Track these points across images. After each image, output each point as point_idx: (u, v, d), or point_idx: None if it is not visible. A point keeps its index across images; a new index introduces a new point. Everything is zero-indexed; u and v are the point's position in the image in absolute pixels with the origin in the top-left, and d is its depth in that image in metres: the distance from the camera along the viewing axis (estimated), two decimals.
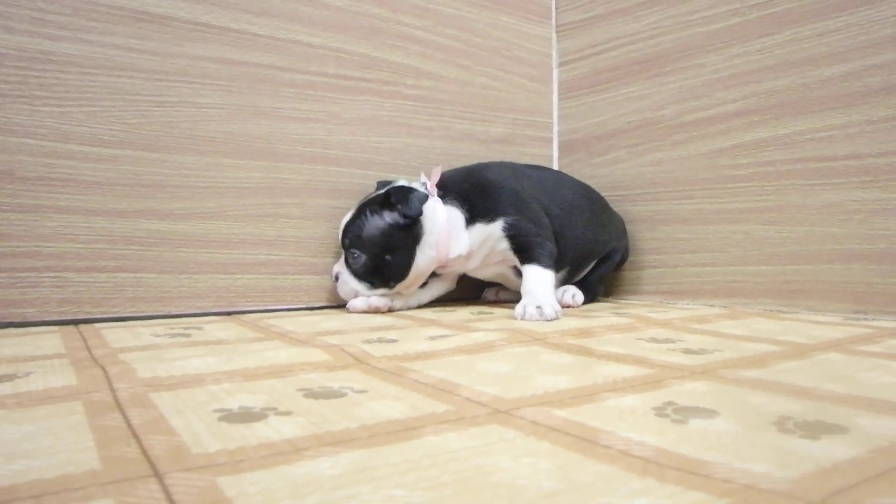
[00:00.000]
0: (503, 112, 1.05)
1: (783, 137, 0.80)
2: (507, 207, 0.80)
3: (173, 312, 0.77)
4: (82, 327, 0.68)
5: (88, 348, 0.54)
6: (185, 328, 0.68)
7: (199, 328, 0.68)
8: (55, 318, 0.70)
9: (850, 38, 0.75)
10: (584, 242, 0.89)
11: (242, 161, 0.81)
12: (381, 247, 0.78)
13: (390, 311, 0.82)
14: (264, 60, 0.83)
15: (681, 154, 0.92)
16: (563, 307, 0.87)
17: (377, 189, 0.84)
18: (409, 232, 0.79)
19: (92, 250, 0.72)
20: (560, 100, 1.11)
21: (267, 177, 0.83)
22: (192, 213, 0.78)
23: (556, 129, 1.12)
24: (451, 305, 0.92)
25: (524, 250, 0.80)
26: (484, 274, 0.88)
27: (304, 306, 0.86)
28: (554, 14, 1.12)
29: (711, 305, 0.87)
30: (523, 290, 0.77)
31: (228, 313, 0.80)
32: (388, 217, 0.78)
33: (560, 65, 1.11)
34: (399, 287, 0.81)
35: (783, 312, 0.78)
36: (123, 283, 0.74)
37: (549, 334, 0.60)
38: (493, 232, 0.81)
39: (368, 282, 0.79)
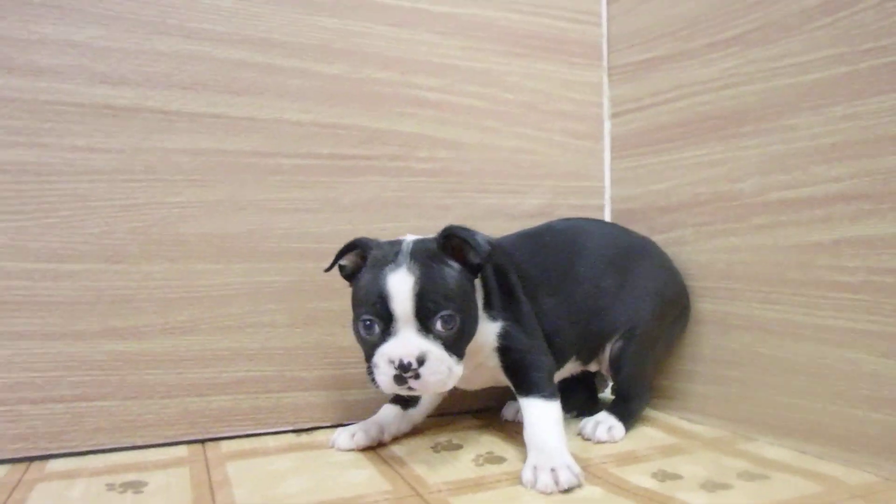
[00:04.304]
0: (540, 179, 0.88)
1: None
2: (505, 305, 0.66)
3: (138, 444, 0.68)
4: (32, 468, 0.61)
5: None
6: (129, 481, 0.59)
7: (145, 483, 0.59)
8: (8, 455, 0.64)
9: None
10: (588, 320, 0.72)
11: (219, 265, 0.71)
12: (469, 305, 0.61)
13: (381, 444, 0.69)
14: (245, 146, 0.72)
15: (764, 242, 0.71)
16: (595, 442, 0.69)
17: (348, 252, 0.63)
18: (472, 286, 0.63)
19: (48, 379, 0.65)
20: (613, 159, 0.92)
21: (248, 281, 0.72)
22: (161, 328, 0.69)
23: (608, 195, 0.93)
24: (450, 427, 0.77)
25: (518, 372, 0.64)
26: (473, 383, 0.70)
27: (290, 429, 0.74)
28: (605, 54, 0.93)
29: (804, 452, 0.66)
30: (527, 440, 0.61)
31: (202, 441, 0.71)
32: (455, 265, 0.61)
33: (613, 116, 0.92)
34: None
35: None
36: (83, 414, 0.66)
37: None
38: (488, 336, 0.64)
39: (458, 356, 0.59)
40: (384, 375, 0.56)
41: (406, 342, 0.56)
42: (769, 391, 0.70)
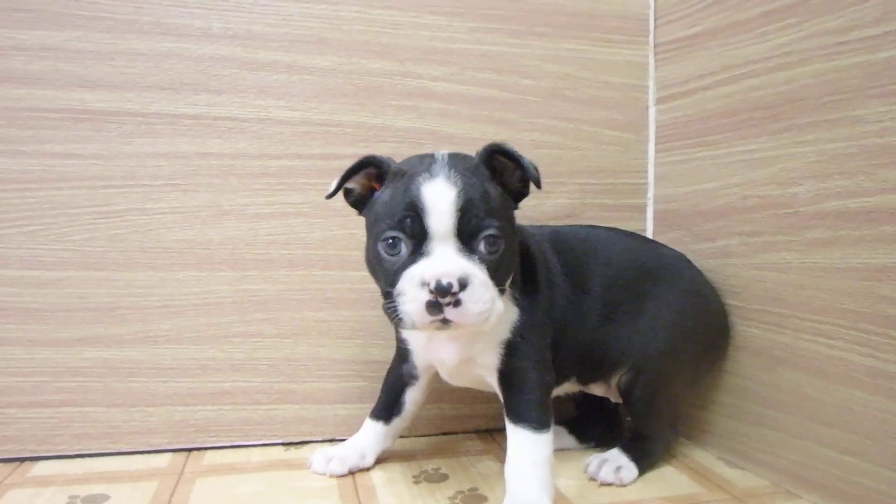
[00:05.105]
0: (565, 177, 0.78)
1: None
2: (525, 290, 0.56)
3: (123, 450, 0.68)
4: (21, 469, 0.62)
5: None
6: (93, 494, 0.58)
7: (107, 498, 0.58)
8: (0, 456, 0.65)
9: None
10: (591, 343, 0.62)
11: (203, 273, 0.68)
12: (512, 233, 0.51)
13: (359, 470, 0.64)
14: (227, 149, 0.68)
15: (818, 261, 0.58)
16: (600, 484, 0.61)
17: (358, 171, 0.52)
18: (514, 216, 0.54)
19: (34, 384, 0.66)
20: (657, 152, 0.80)
21: (233, 289, 0.69)
22: (144, 337, 0.68)
23: (650, 193, 0.80)
24: (446, 450, 0.70)
25: (512, 386, 0.55)
26: (455, 376, 0.61)
27: (279, 441, 0.71)
28: (652, 29, 0.80)
29: None
30: (506, 479, 0.53)
31: (188, 450, 0.69)
32: (497, 186, 0.51)
33: (658, 101, 0.79)
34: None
35: None
36: (69, 419, 0.67)
37: None
38: (502, 320, 0.52)
39: (500, 288, 0.50)
40: (414, 303, 0.45)
41: (446, 260, 0.46)
42: (817, 442, 0.58)
